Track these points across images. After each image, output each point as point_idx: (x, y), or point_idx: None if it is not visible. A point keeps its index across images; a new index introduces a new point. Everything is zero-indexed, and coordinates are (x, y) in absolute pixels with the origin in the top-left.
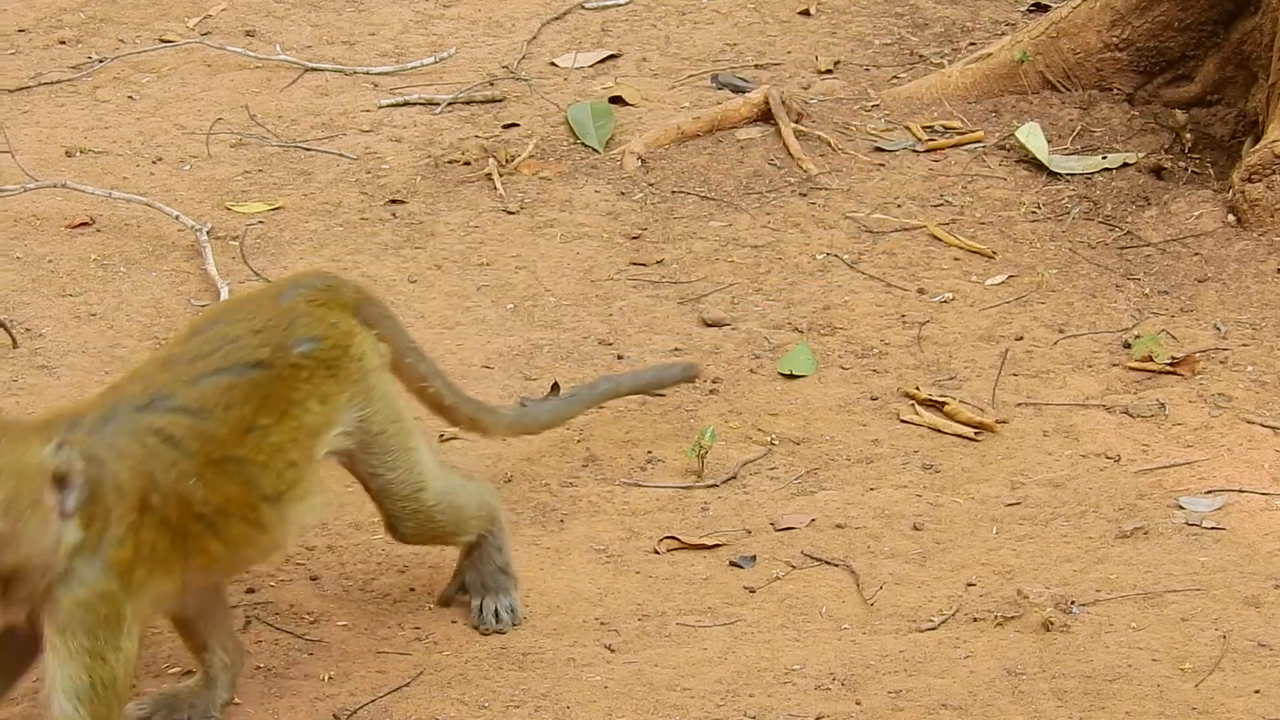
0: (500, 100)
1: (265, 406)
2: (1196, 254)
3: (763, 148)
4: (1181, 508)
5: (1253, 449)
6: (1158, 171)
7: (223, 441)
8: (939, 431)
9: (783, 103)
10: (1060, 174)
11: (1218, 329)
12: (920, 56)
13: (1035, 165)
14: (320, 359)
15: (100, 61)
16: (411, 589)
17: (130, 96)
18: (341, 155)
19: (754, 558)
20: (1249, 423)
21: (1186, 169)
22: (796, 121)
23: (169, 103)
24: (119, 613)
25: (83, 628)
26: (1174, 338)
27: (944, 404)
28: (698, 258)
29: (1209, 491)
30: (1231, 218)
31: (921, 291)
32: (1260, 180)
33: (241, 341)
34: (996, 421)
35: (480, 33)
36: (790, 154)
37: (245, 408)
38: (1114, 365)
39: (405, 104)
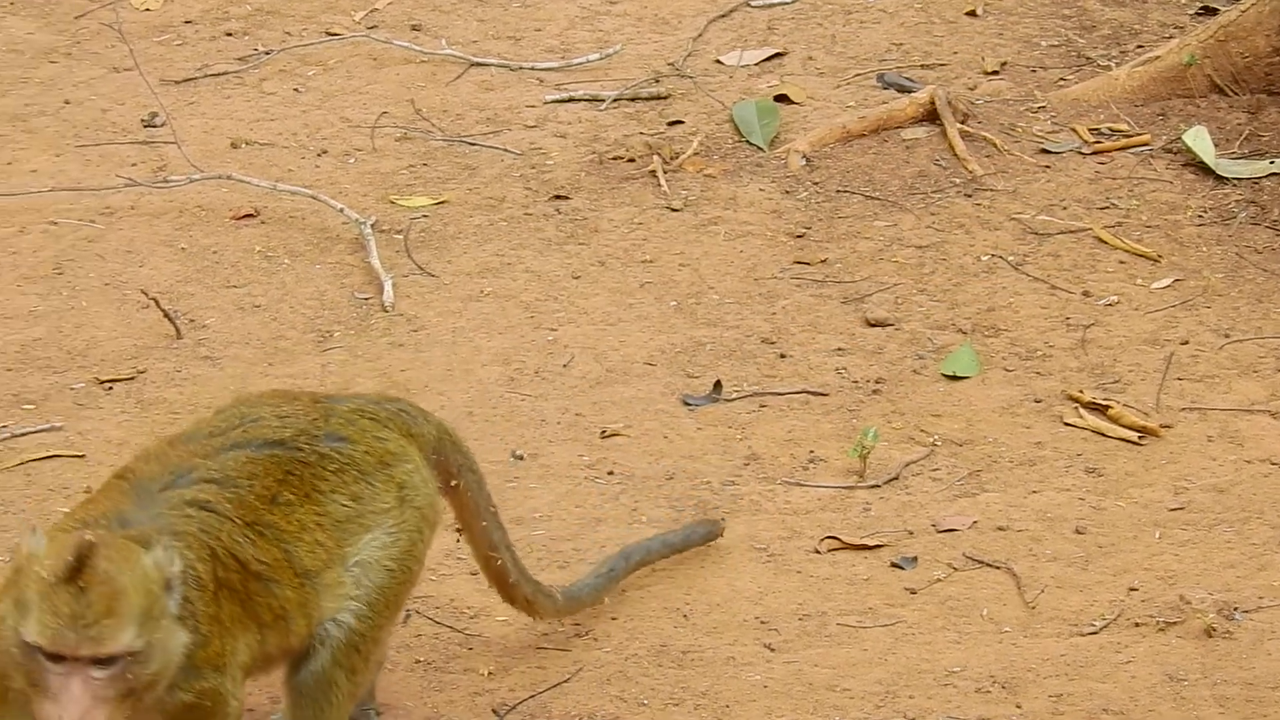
0: (665, 97)
1: (288, 482)
2: None
3: (928, 148)
4: None
5: None
6: None
7: (253, 506)
8: (1102, 435)
9: (949, 103)
10: (1227, 178)
11: None
12: (1087, 59)
13: (1202, 169)
14: (352, 459)
15: (266, 54)
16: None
17: (296, 89)
18: (506, 150)
19: (915, 559)
20: None
21: None
22: (962, 122)
23: (334, 96)
24: (220, 694)
25: None
26: None
27: (1108, 407)
28: (862, 257)
29: None
30: None
31: (1086, 294)
32: None
33: (262, 422)
34: (1160, 426)
35: (646, 29)
36: (956, 155)
37: (268, 479)
38: None
39: (570, 100)
